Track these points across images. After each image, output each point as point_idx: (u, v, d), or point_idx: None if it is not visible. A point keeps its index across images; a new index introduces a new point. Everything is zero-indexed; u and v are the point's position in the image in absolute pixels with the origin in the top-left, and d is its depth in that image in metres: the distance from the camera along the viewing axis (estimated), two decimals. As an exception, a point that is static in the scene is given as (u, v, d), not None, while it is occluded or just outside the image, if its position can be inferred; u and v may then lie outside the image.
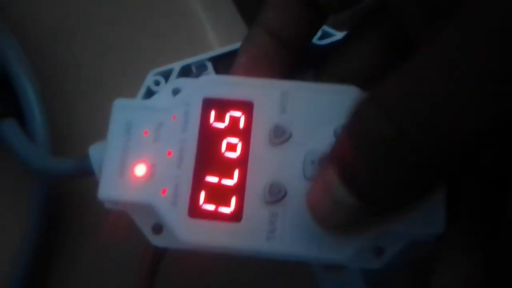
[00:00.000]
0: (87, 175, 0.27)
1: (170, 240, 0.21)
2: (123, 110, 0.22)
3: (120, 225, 0.22)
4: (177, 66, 0.27)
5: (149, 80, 0.27)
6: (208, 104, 0.22)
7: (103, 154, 0.23)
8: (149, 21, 0.34)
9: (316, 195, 0.19)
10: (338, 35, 0.29)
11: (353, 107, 0.18)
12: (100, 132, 0.24)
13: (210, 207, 0.21)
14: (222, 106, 0.22)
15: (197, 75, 0.28)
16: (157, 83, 0.27)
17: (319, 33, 0.30)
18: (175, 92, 0.22)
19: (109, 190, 0.21)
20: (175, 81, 0.22)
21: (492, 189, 0.21)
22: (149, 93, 0.28)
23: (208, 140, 0.21)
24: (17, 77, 0.30)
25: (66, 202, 0.32)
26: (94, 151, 0.26)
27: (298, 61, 0.24)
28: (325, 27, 0.30)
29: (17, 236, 0.30)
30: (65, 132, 0.32)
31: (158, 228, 0.21)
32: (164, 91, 0.22)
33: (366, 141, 0.17)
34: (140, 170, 0.21)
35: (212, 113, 0.22)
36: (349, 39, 0.24)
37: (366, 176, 0.17)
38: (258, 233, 0.20)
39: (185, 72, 0.28)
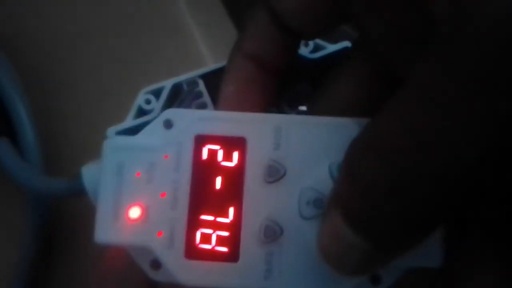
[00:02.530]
0: (79, 195, 0.27)
1: (169, 276, 0.21)
2: (114, 151, 0.22)
3: (119, 259, 0.22)
4: (168, 84, 0.27)
5: (140, 99, 0.27)
6: (200, 141, 0.21)
7: (95, 176, 0.23)
8: (141, 36, 0.34)
9: (326, 240, 0.19)
10: (331, 47, 0.29)
11: (346, 149, 0.18)
12: (93, 151, 0.24)
13: (207, 246, 0.21)
14: (215, 143, 0.21)
15: (189, 92, 0.28)
16: (148, 101, 0.27)
17: (311, 46, 0.30)
18: (167, 124, 0.22)
19: (105, 234, 0.21)
20: (166, 112, 0.22)
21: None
22: (140, 112, 0.28)
23: (201, 178, 0.21)
24: (8, 96, 0.30)
25: (59, 220, 0.31)
26: (86, 171, 0.26)
27: (279, 85, 0.24)
28: (318, 40, 0.30)
29: (12, 254, 0.30)
30: (57, 150, 0.32)
31: (156, 264, 0.21)
32: (155, 123, 0.22)
33: (362, 183, 0.17)
34: (135, 212, 0.21)
35: (205, 151, 0.21)
36: (337, 71, 0.24)
37: (368, 217, 0.17)
38: (256, 272, 0.20)
39: (177, 89, 0.28)
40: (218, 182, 0.21)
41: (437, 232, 0.20)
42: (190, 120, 0.22)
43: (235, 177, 0.21)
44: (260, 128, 0.21)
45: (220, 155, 0.21)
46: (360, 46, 0.24)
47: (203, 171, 0.21)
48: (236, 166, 0.21)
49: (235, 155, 0.21)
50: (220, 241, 0.21)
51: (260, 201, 0.21)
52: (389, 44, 0.21)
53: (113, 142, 0.22)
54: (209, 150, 0.21)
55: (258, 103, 0.23)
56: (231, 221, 0.21)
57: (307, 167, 0.21)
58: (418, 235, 0.18)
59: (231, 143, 0.21)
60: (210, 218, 0.21)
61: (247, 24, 0.23)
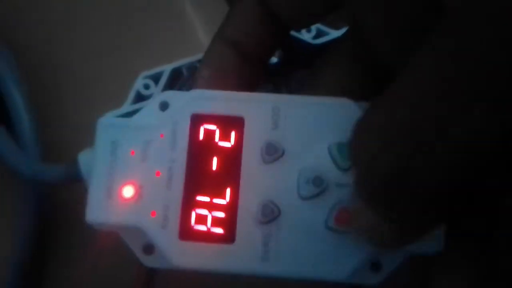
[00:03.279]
0: (76, 182, 0.27)
1: (162, 260, 0.20)
2: (108, 129, 0.21)
3: (109, 243, 0.22)
4: (167, 69, 0.27)
5: (138, 84, 0.26)
6: (197, 120, 0.21)
7: (92, 162, 0.22)
8: (140, 23, 0.34)
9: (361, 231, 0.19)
10: (333, 33, 0.29)
11: (351, 132, 0.17)
12: (89, 138, 0.23)
13: (202, 228, 0.20)
14: (212, 122, 0.21)
15: (188, 77, 0.27)
16: (146, 86, 0.27)
17: (313, 32, 0.29)
18: (163, 106, 0.21)
19: (97, 212, 0.21)
20: (162, 94, 0.21)
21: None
22: (139, 97, 0.27)
23: (198, 158, 0.21)
24: (4, 83, 0.30)
25: (55, 207, 0.31)
26: (83, 157, 0.26)
27: (262, 73, 0.24)
28: (319, 26, 0.29)
29: (8, 242, 0.30)
30: (54, 137, 0.31)
31: (149, 249, 0.21)
32: (151, 105, 0.21)
33: (372, 170, 0.17)
34: (128, 191, 0.21)
35: (201, 130, 0.21)
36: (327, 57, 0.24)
37: (389, 202, 0.17)
38: (252, 254, 0.20)
39: (176, 74, 0.28)
40: (215, 162, 0.21)
41: None
42: (186, 99, 0.21)
43: (232, 157, 0.21)
44: (258, 107, 0.21)
45: (217, 134, 0.21)
46: (350, 34, 0.23)
47: (200, 150, 0.21)
48: (233, 146, 0.21)
49: (233, 134, 0.21)
50: (216, 222, 0.20)
51: (258, 182, 0.20)
52: (382, 34, 0.20)
53: (107, 120, 0.21)
54: (206, 129, 0.21)
55: (230, 90, 0.22)
56: (227, 202, 0.20)
57: (306, 147, 0.20)
58: (438, 216, 0.18)
59: (228, 123, 0.21)
60: (206, 199, 0.20)
61: (232, 8, 0.23)
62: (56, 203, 0.31)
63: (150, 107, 0.21)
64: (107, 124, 0.21)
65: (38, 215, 0.30)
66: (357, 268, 0.20)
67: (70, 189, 0.28)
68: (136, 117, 0.21)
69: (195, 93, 0.21)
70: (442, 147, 0.15)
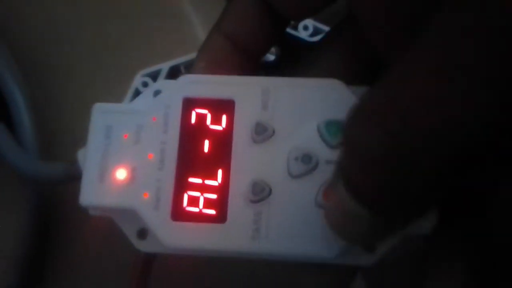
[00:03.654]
0: (76, 180, 0.27)
1: (156, 245, 0.20)
2: (102, 115, 0.21)
3: (102, 229, 0.22)
4: (165, 66, 0.27)
5: (137, 82, 0.27)
6: (188, 104, 0.21)
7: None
8: (138, 22, 0.34)
9: (331, 210, 0.18)
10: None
11: (345, 117, 0.17)
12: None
13: (194, 209, 0.20)
14: (203, 105, 0.21)
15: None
16: (145, 84, 0.27)
17: (310, 30, 0.30)
18: (156, 94, 0.21)
19: (90, 195, 0.21)
20: (156, 84, 0.22)
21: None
22: (138, 95, 0.27)
23: (190, 140, 0.21)
24: (5, 82, 0.30)
25: (55, 205, 0.31)
26: (82, 155, 0.26)
27: (257, 67, 0.24)
28: (316, 23, 0.30)
29: (9, 240, 0.30)
30: (53, 135, 0.31)
31: (143, 233, 0.21)
32: (146, 93, 0.22)
33: (362, 155, 0.16)
34: (121, 174, 0.21)
35: (193, 113, 0.21)
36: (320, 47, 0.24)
37: (369, 189, 0.17)
38: (243, 233, 0.20)
39: (174, 72, 0.28)
40: (206, 144, 0.21)
41: None
42: (178, 84, 0.21)
43: (223, 139, 0.21)
44: (248, 90, 0.21)
45: (208, 117, 0.21)
46: (346, 24, 0.23)
47: (191, 133, 0.21)
48: (225, 128, 0.21)
49: (224, 117, 0.21)
50: (208, 203, 0.20)
51: (249, 162, 0.20)
52: (378, 26, 0.20)
53: (101, 106, 0.22)
54: (197, 112, 0.21)
55: None
56: (219, 184, 0.21)
57: (296, 127, 0.21)
58: (423, 205, 0.17)
59: (219, 106, 0.21)
60: (198, 180, 0.21)
61: (230, 2, 0.23)
62: (55, 200, 0.31)
63: (145, 95, 0.22)
64: (102, 109, 0.22)
65: (38, 213, 0.30)
66: (348, 247, 0.20)
67: (69, 187, 0.28)
68: (131, 103, 0.22)
69: (187, 78, 0.22)
70: (442, 128, 0.15)
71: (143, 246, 0.21)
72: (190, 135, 0.21)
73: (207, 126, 0.21)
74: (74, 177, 0.27)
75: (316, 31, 0.29)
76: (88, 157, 0.21)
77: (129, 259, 0.24)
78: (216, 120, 0.21)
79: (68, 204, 0.31)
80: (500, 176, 0.19)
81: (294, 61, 0.29)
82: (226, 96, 0.21)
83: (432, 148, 0.15)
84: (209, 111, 0.21)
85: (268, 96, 0.21)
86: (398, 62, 0.16)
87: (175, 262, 0.23)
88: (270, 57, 0.29)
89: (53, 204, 0.31)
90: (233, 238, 0.20)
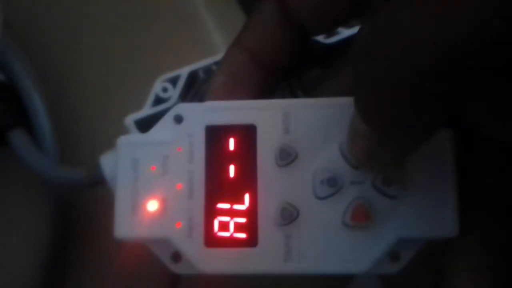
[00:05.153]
0: (98, 185, 0.27)
1: (190, 268, 0.21)
2: (128, 148, 0.22)
3: (138, 251, 0.22)
4: (184, 72, 0.27)
5: (157, 87, 0.27)
6: (211, 131, 0.22)
7: (114, 164, 0.23)
8: (154, 27, 0.34)
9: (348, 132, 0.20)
10: (345, 32, 0.29)
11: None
12: (108, 140, 0.24)
13: (225, 234, 0.21)
14: (226, 132, 0.22)
15: (204, 79, 0.28)
16: (165, 89, 0.27)
17: (325, 32, 0.30)
18: (177, 119, 0.22)
19: (125, 228, 0.21)
20: (175, 108, 0.22)
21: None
22: (158, 100, 0.28)
23: (215, 167, 0.21)
24: (24, 88, 0.30)
25: (76, 209, 0.32)
26: (105, 160, 0.26)
27: (276, 81, 0.24)
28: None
29: (30, 244, 0.30)
30: (73, 140, 0.32)
31: (177, 257, 0.21)
32: (166, 118, 0.22)
33: (363, 73, 0.17)
34: (153, 205, 0.21)
35: (216, 140, 0.22)
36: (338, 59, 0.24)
37: (368, 102, 0.17)
38: (275, 255, 0.21)
39: (193, 77, 0.28)
40: (232, 170, 0.21)
41: (450, 201, 0.20)
42: (200, 112, 0.22)
43: (248, 164, 0.21)
44: (268, 114, 0.22)
45: (231, 143, 0.22)
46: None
47: (217, 160, 0.21)
48: (248, 152, 0.21)
49: (247, 142, 0.21)
50: (238, 227, 0.21)
51: (275, 186, 0.21)
52: None
53: (126, 140, 0.22)
54: (221, 139, 0.22)
55: (244, 97, 0.23)
56: (247, 207, 0.21)
57: (318, 148, 0.21)
58: (418, 119, 0.17)
59: (241, 131, 0.22)
60: (226, 206, 0.21)
61: (251, 16, 0.23)
62: (76, 205, 0.32)
63: (165, 121, 0.22)
64: (127, 143, 0.22)
65: (59, 217, 0.31)
66: (377, 260, 0.20)
67: (90, 191, 0.29)
68: (152, 131, 0.22)
69: (207, 105, 0.22)
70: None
71: (178, 269, 0.21)
72: (215, 162, 0.21)
73: (231, 152, 0.22)
74: (95, 182, 0.27)
75: (331, 33, 0.29)
76: (119, 191, 0.22)
77: (150, 265, 0.24)
78: (240, 146, 0.22)
79: (89, 208, 0.31)
80: None
81: (310, 62, 0.29)
82: (247, 121, 0.22)
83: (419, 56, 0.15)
84: (232, 137, 0.22)
85: (289, 118, 0.21)
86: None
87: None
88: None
89: (74, 208, 0.32)
90: (266, 261, 0.21)
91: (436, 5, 0.15)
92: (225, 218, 0.21)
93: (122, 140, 0.22)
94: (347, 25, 0.29)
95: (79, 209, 0.32)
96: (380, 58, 0.16)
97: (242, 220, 0.21)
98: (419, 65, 0.15)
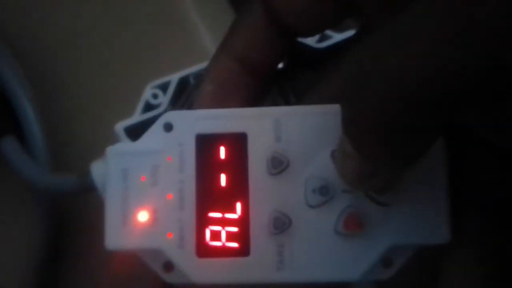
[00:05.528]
0: (89, 192, 0.27)
1: (182, 277, 0.21)
2: (117, 158, 0.22)
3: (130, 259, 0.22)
4: (174, 78, 0.27)
5: (147, 94, 0.27)
6: (202, 140, 0.21)
7: (105, 172, 0.22)
8: (145, 32, 0.34)
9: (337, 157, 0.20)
10: (337, 36, 0.29)
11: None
12: (100, 147, 0.24)
13: (217, 244, 0.21)
14: (216, 140, 0.21)
15: (195, 85, 0.28)
16: (155, 96, 0.27)
17: (317, 36, 0.30)
18: (167, 127, 0.22)
19: (116, 240, 0.21)
20: (165, 115, 0.22)
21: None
22: (148, 107, 0.28)
23: (206, 177, 0.21)
24: (15, 94, 0.30)
25: (67, 216, 0.32)
26: (95, 167, 0.26)
27: (266, 86, 0.24)
28: (323, 30, 0.30)
29: (21, 253, 0.30)
30: (64, 147, 0.32)
31: (169, 266, 0.21)
32: (156, 127, 0.22)
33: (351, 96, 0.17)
34: (143, 216, 0.21)
35: (207, 149, 0.21)
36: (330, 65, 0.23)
37: (353, 124, 0.17)
38: (268, 264, 0.21)
39: (183, 83, 0.28)
40: (223, 179, 0.21)
41: (442, 208, 0.20)
42: (190, 120, 0.22)
43: (240, 172, 0.21)
44: (259, 122, 0.21)
45: (222, 152, 0.21)
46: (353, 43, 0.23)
47: (207, 169, 0.21)
48: (240, 161, 0.21)
49: (238, 150, 0.21)
50: (230, 237, 0.21)
51: (266, 194, 0.21)
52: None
53: (115, 149, 0.22)
54: (211, 148, 0.21)
55: (235, 105, 0.22)
56: (239, 216, 0.21)
57: (310, 156, 0.21)
58: (401, 142, 0.17)
59: (232, 140, 0.21)
60: (218, 215, 0.21)
61: (236, 20, 0.23)
62: (67, 212, 0.31)
63: (155, 129, 0.22)
64: (116, 152, 0.22)
65: (50, 224, 0.31)
66: (370, 267, 0.20)
67: (81, 199, 0.29)
68: (142, 140, 0.22)
69: (198, 113, 0.22)
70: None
71: (170, 278, 0.21)
72: (206, 171, 0.21)
73: (222, 161, 0.21)
74: (86, 189, 0.27)
75: (322, 37, 0.29)
76: (109, 202, 0.21)
77: (142, 274, 0.24)
78: (231, 154, 0.21)
79: (80, 215, 0.31)
80: None
81: (302, 66, 0.29)
82: (238, 129, 0.21)
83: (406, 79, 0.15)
84: (222, 146, 0.21)
85: (280, 126, 0.21)
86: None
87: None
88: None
89: (66, 215, 0.31)
90: (258, 270, 0.21)
91: (417, 44, 0.15)
92: (217, 228, 0.21)
93: (111, 150, 0.22)
94: (338, 28, 0.29)
95: (72, 216, 0.32)
96: (368, 99, 0.16)
97: (234, 229, 0.21)
98: (406, 103, 0.15)
